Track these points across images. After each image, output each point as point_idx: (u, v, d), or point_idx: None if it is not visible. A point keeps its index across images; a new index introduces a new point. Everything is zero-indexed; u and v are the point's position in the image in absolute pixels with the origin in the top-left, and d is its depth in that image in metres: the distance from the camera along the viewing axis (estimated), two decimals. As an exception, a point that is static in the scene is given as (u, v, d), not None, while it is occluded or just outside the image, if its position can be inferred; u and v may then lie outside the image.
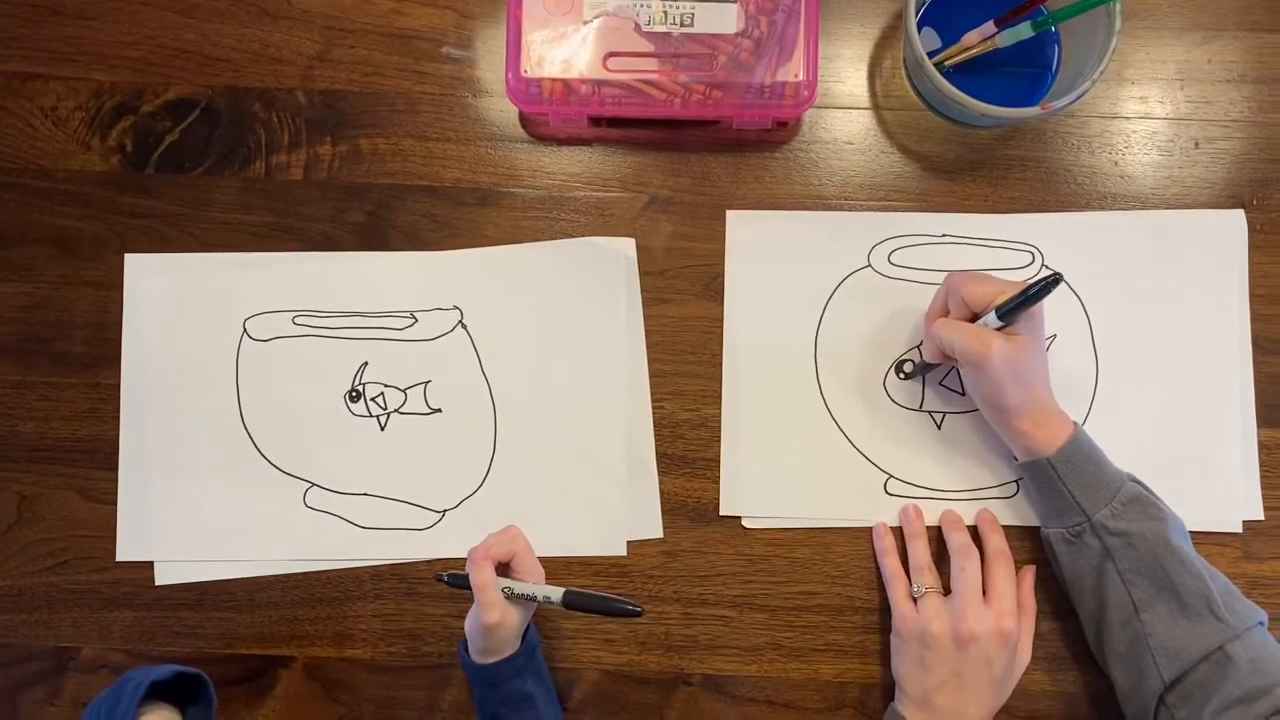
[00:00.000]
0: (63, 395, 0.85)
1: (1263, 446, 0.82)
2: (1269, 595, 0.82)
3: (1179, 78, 0.85)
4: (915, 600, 0.78)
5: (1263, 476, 0.82)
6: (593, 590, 0.75)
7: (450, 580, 0.78)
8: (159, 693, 0.78)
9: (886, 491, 0.83)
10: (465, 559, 0.75)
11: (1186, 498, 0.80)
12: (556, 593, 0.74)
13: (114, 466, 0.84)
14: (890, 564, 0.81)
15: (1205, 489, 0.82)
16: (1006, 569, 0.79)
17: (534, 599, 0.74)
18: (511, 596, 0.74)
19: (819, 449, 0.84)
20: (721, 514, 0.83)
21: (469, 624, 0.75)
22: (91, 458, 0.85)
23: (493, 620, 0.73)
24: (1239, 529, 0.82)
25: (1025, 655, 0.78)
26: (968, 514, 0.82)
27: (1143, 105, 0.85)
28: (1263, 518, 0.82)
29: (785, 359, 0.84)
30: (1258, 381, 0.83)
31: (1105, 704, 0.81)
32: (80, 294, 0.85)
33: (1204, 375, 0.83)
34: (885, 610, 0.82)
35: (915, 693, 0.77)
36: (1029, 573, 0.81)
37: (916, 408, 0.84)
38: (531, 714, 0.76)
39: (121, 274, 0.85)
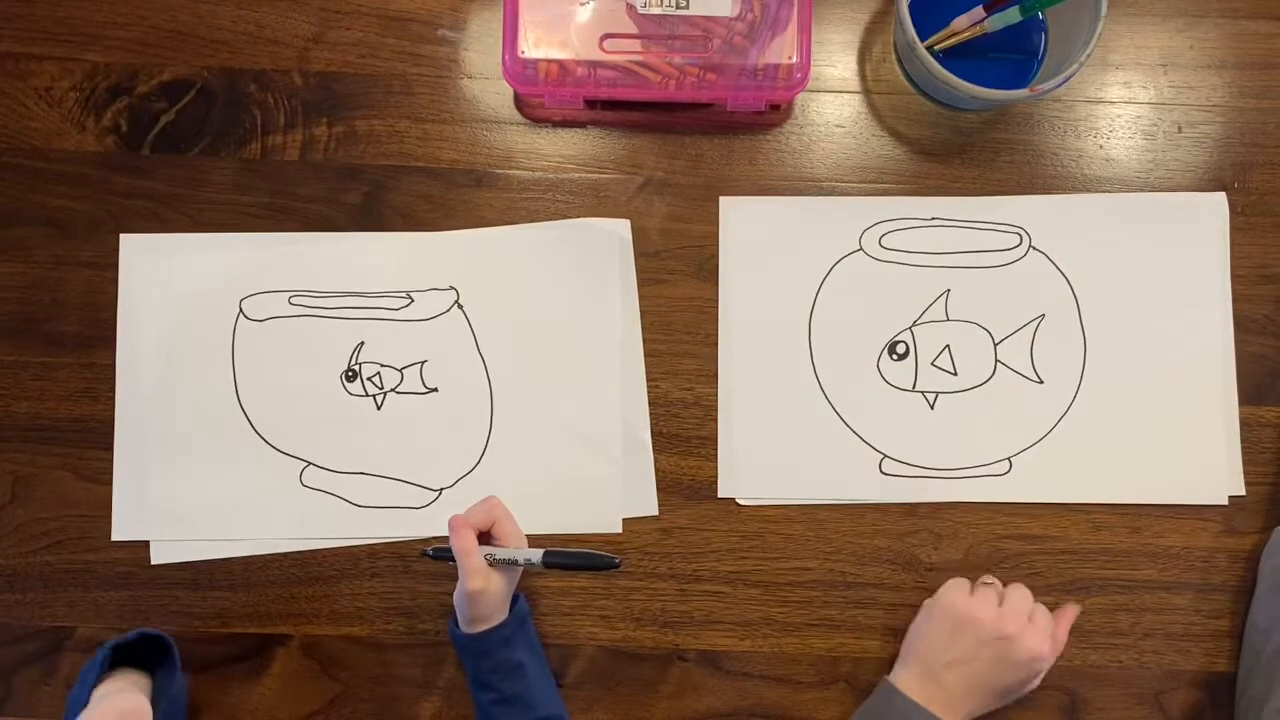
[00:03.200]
0: (57, 375, 0.85)
1: (1244, 423, 0.84)
2: (1250, 568, 0.83)
3: (1162, 63, 0.87)
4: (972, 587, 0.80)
5: (1244, 452, 0.84)
6: (576, 549, 0.76)
7: (434, 554, 0.79)
8: (130, 659, 0.78)
9: (881, 471, 0.84)
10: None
11: (1171, 472, 0.83)
12: (536, 554, 0.75)
13: (109, 446, 0.84)
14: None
15: (1189, 464, 0.84)
16: (1047, 611, 0.79)
17: (516, 563, 0.75)
18: (494, 563, 0.75)
19: (814, 430, 0.85)
20: (720, 496, 0.84)
21: (456, 595, 0.76)
22: (86, 438, 0.85)
23: (477, 587, 0.74)
24: (1224, 502, 0.84)
25: (1035, 684, 0.79)
26: (962, 492, 0.84)
27: (1127, 90, 0.87)
28: (1244, 493, 0.84)
29: (780, 341, 0.86)
30: (1239, 360, 0.85)
31: (1089, 677, 0.83)
32: (75, 274, 0.85)
33: (1188, 353, 0.85)
34: (876, 585, 0.84)
35: (930, 661, 0.77)
36: (1071, 610, 0.81)
37: (910, 388, 0.85)
38: (522, 682, 0.76)
39: (116, 254, 0.85)
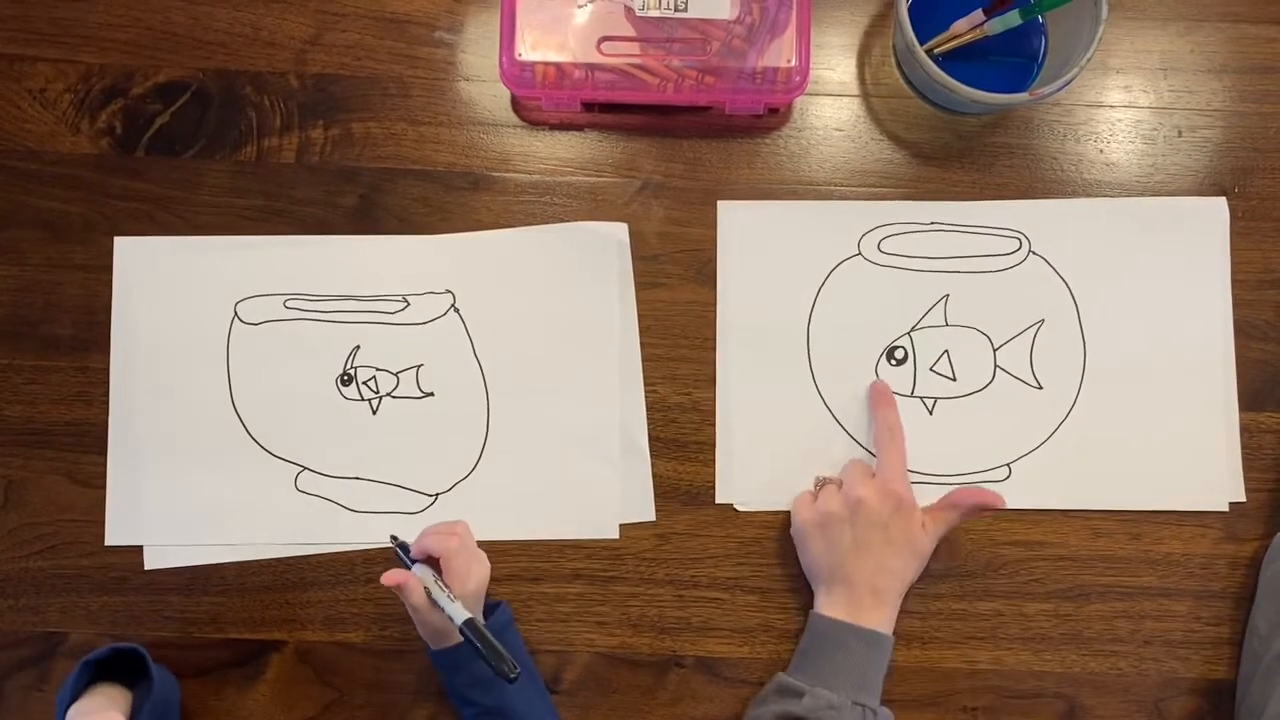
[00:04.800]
0: (51, 379, 0.84)
1: (1244, 429, 0.84)
2: (1251, 575, 0.83)
3: (1162, 67, 0.87)
4: (815, 497, 0.81)
5: (1244, 458, 0.84)
6: (490, 637, 0.70)
7: (398, 546, 0.78)
8: (111, 674, 0.77)
9: (879, 475, 0.84)
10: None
11: (1171, 479, 0.83)
12: (460, 616, 0.71)
13: (103, 450, 0.84)
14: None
15: (1189, 470, 0.83)
16: (895, 444, 0.80)
17: (443, 611, 0.73)
18: (430, 599, 0.73)
19: (812, 435, 0.84)
20: (717, 502, 0.84)
21: None
22: (80, 441, 0.84)
23: (417, 618, 0.74)
24: (1224, 508, 0.83)
25: (926, 542, 0.79)
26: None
27: (1127, 94, 0.86)
28: (1244, 499, 0.83)
29: (778, 346, 0.85)
30: (1239, 366, 0.84)
31: (1088, 684, 0.83)
32: (69, 277, 0.85)
33: (1188, 359, 0.84)
34: (875, 592, 0.83)
35: (827, 579, 0.79)
36: (964, 493, 0.79)
37: (908, 394, 0.85)
38: (502, 694, 0.75)
39: (110, 257, 0.85)
